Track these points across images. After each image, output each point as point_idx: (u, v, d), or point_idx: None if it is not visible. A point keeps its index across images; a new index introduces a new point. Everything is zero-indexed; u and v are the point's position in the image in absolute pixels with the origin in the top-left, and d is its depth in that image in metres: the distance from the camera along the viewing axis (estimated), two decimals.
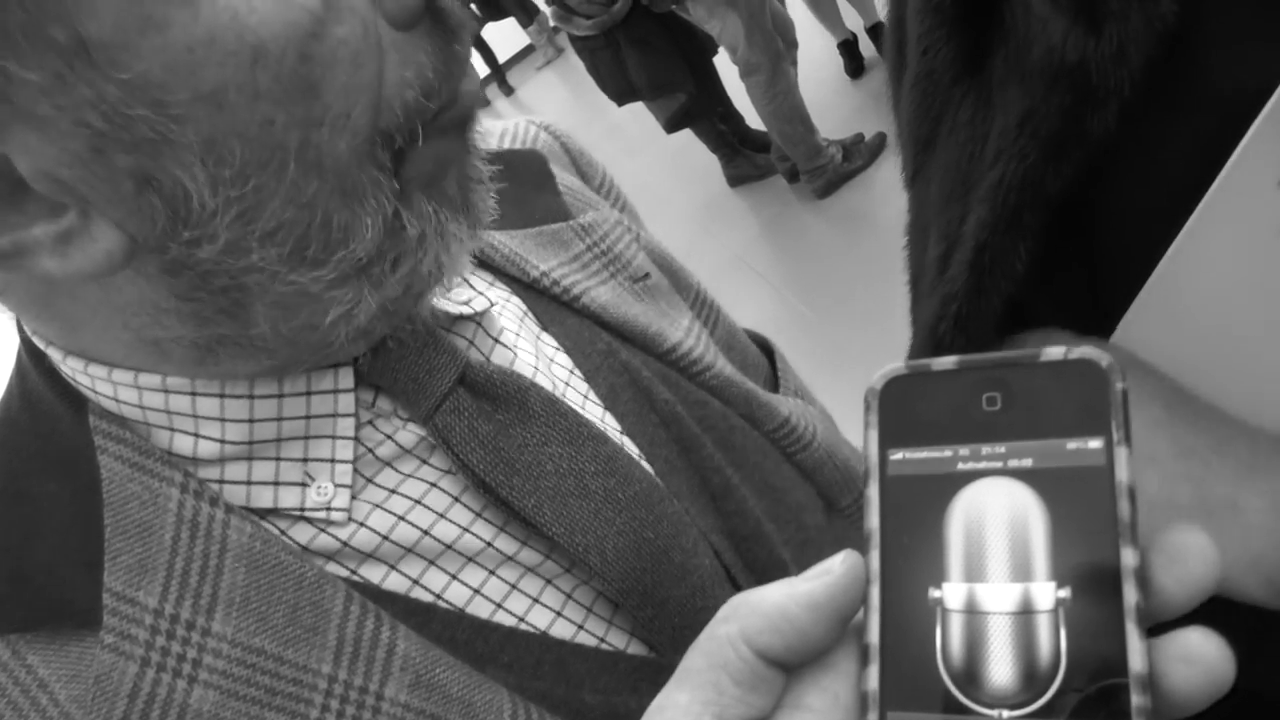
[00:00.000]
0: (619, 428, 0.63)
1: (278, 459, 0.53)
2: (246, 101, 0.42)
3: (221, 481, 0.53)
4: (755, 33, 3.97)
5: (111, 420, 0.51)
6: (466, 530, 0.56)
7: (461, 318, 0.60)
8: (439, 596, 0.55)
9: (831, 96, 4.96)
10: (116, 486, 0.50)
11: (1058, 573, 0.30)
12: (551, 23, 4.27)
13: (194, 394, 0.51)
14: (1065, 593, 0.30)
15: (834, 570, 0.32)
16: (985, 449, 0.32)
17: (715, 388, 0.68)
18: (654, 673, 0.57)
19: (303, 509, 0.53)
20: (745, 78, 4.13)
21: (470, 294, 0.62)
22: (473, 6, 9.09)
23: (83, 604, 0.48)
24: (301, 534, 0.53)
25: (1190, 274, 0.49)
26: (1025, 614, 0.30)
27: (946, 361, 0.34)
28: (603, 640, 0.58)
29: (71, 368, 0.52)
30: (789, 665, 0.33)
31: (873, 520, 0.33)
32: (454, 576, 0.55)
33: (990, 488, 0.32)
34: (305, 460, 0.53)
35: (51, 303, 0.49)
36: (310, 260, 0.46)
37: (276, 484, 0.53)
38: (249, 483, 0.53)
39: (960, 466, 0.32)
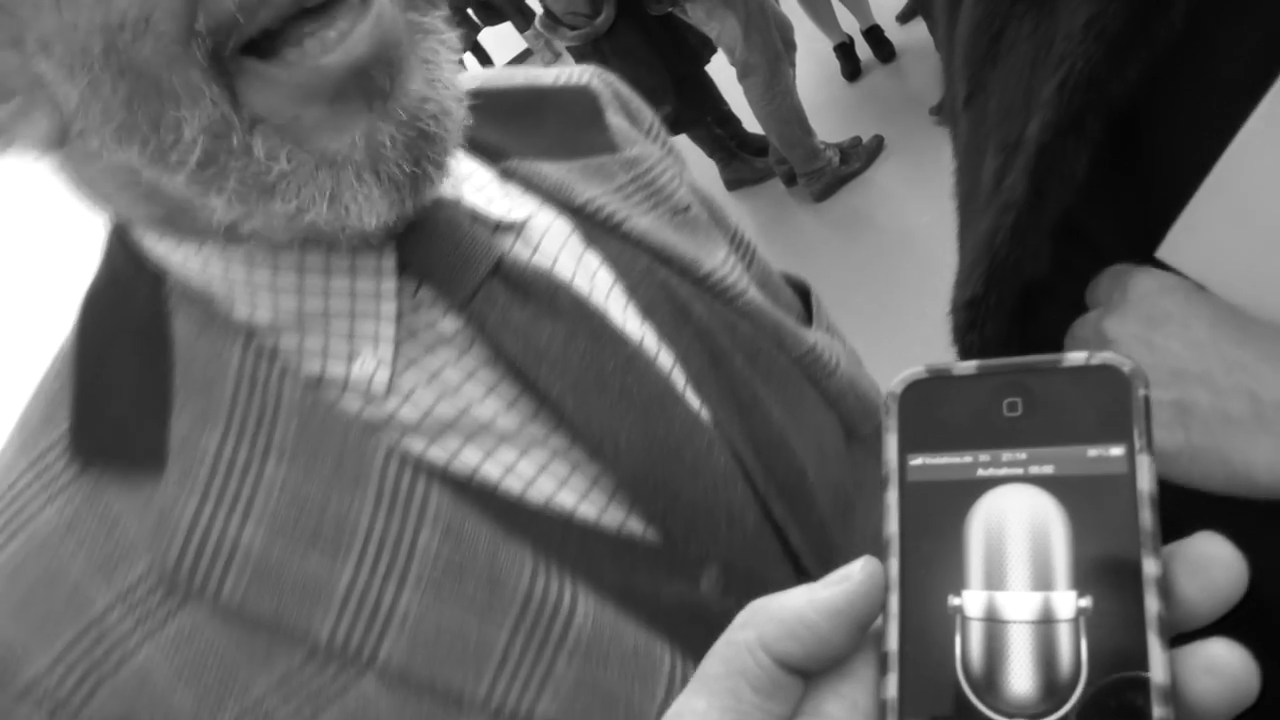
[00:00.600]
0: (656, 336, 0.67)
1: (326, 333, 0.58)
2: (52, 5, 0.46)
3: (276, 348, 0.58)
4: (753, 34, 3.98)
5: (183, 290, 0.57)
6: (502, 414, 0.60)
7: (501, 226, 0.65)
8: (475, 471, 0.59)
9: (828, 99, 4.97)
10: (185, 347, 0.56)
11: (1079, 581, 0.30)
12: (541, 28, 4.28)
13: (250, 263, 0.57)
14: (1086, 602, 0.30)
15: (853, 577, 0.32)
16: (1006, 455, 0.32)
17: (747, 313, 0.72)
18: (668, 560, 0.61)
19: (348, 380, 0.58)
20: (743, 79, 4.14)
21: (510, 205, 0.66)
22: (469, 11, 9.10)
23: (152, 446, 0.54)
24: (350, 404, 0.58)
25: (1241, 184, 0.49)
26: (1045, 623, 0.30)
27: (967, 366, 0.33)
28: (622, 525, 0.61)
29: (150, 243, 0.58)
30: (808, 672, 0.32)
31: (892, 526, 0.33)
32: (489, 454, 0.59)
33: (1011, 494, 0.31)
34: (351, 336, 0.58)
35: (93, 188, 0.56)
36: (158, 159, 0.50)
37: (325, 355, 0.58)
38: (301, 351, 0.58)
39: (980, 473, 0.32)
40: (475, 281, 0.59)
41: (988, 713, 0.30)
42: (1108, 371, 0.31)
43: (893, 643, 0.32)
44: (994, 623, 0.31)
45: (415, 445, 0.58)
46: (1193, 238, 0.52)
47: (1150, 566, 0.29)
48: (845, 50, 5.08)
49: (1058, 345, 0.59)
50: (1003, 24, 0.58)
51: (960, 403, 0.33)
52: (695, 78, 4.48)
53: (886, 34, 5.02)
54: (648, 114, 0.83)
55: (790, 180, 4.49)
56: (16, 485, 0.56)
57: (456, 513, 0.56)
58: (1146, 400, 0.31)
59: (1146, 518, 0.29)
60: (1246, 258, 0.51)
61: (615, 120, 0.77)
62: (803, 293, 0.86)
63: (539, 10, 4.47)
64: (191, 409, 0.55)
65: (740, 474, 0.65)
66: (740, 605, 0.60)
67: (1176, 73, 0.51)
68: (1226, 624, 0.29)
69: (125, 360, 0.57)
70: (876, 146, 4.39)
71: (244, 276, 0.57)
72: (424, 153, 0.53)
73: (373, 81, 0.51)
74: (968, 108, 0.63)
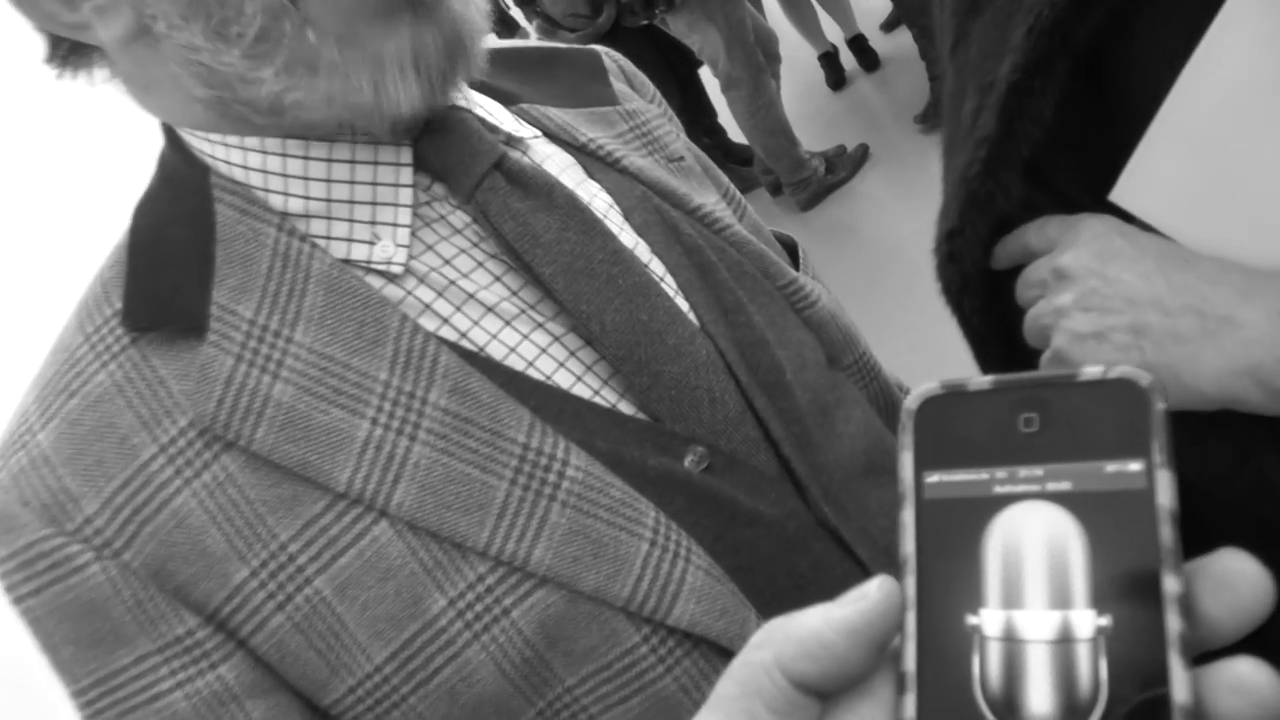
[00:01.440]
0: (649, 250, 0.73)
1: (351, 220, 0.65)
2: None
3: (307, 233, 0.64)
4: (735, 47, 3.98)
5: (226, 180, 0.64)
6: (507, 299, 0.66)
7: (511, 139, 0.72)
8: (481, 349, 0.65)
9: (813, 109, 4.98)
10: (227, 228, 0.63)
11: (1098, 600, 0.29)
12: (536, 37, 4.27)
13: (285, 155, 0.64)
14: (1106, 621, 0.29)
15: (870, 596, 0.32)
16: (1023, 471, 0.31)
17: (734, 242, 0.79)
18: (655, 434, 0.66)
19: (369, 261, 0.64)
20: (727, 91, 4.14)
21: (517, 126, 0.74)
22: None
23: (195, 313, 0.61)
24: (372, 283, 0.64)
25: (1184, 127, 0.53)
26: (1065, 642, 0.30)
27: (983, 381, 0.33)
28: (614, 406, 0.67)
29: (196, 139, 0.65)
30: (825, 692, 0.32)
31: (908, 545, 0.32)
32: (494, 335, 0.65)
33: (1028, 511, 0.31)
34: (373, 223, 0.65)
35: (149, 86, 0.63)
36: (218, 35, 0.57)
37: (350, 240, 0.65)
38: (328, 237, 0.65)
39: (997, 489, 0.32)
40: (480, 173, 0.66)
41: None
42: (1125, 385, 0.31)
43: (910, 662, 0.31)
44: (1012, 642, 0.30)
45: (428, 324, 0.64)
46: (1143, 179, 0.56)
47: (1171, 584, 0.28)
48: (830, 59, 5.10)
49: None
50: None
51: (976, 419, 0.33)
52: (692, 81, 4.48)
53: (870, 43, 5.04)
54: (650, 87, 0.90)
55: (776, 190, 4.50)
56: (75, 354, 0.63)
57: (462, 370, 0.62)
58: (1166, 414, 0.30)
59: (1167, 534, 0.29)
60: (1192, 196, 0.55)
61: (618, 85, 0.85)
62: (790, 248, 0.92)
63: (522, 20, 4.46)
64: (231, 281, 0.61)
65: (723, 365, 0.70)
66: (722, 485, 0.65)
67: (1136, 17, 0.55)
68: (1253, 642, 0.28)
69: (176, 241, 0.63)
70: (862, 155, 4.40)
71: (279, 168, 0.64)
72: (457, 56, 0.62)
73: (422, 1, 0.60)
74: (953, 56, 0.67)
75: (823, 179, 4.33)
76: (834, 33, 5.06)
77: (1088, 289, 0.57)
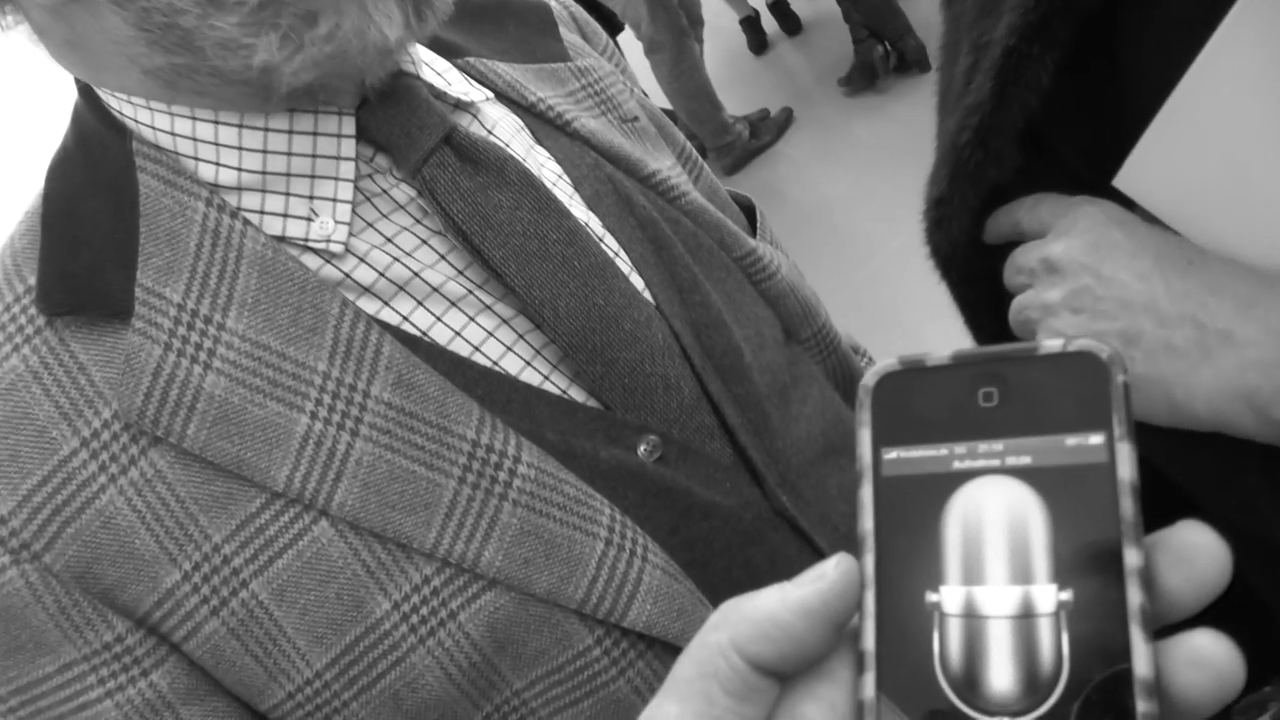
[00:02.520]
0: (600, 224, 0.70)
1: (287, 194, 0.60)
2: None
3: (239, 207, 0.60)
4: (659, 10, 3.97)
5: (150, 146, 0.59)
6: (452, 279, 0.63)
7: (460, 105, 0.69)
8: (424, 333, 0.61)
9: (735, 73, 4.98)
10: (151, 201, 0.58)
11: (1059, 574, 0.29)
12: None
13: (217, 123, 0.59)
14: (1067, 595, 0.29)
15: (828, 575, 0.31)
16: (982, 446, 0.31)
17: (689, 212, 0.75)
18: (606, 424, 0.64)
19: (307, 239, 0.60)
20: (650, 55, 4.13)
21: (467, 88, 0.70)
22: None
23: (118, 296, 0.56)
24: (309, 263, 0.60)
25: (1197, 114, 0.49)
26: (1026, 618, 0.29)
27: (941, 356, 0.32)
28: (564, 392, 0.64)
29: (118, 100, 0.60)
30: (783, 673, 0.31)
31: (867, 522, 0.32)
32: (438, 318, 0.62)
33: (988, 487, 0.31)
34: (311, 198, 0.60)
35: (76, 45, 0.57)
36: (213, 0, 0.52)
37: (285, 215, 0.60)
38: (262, 212, 0.60)
39: (957, 465, 0.31)
40: (428, 147, 0.62)
41: (968, 711, 0.29)
42: (1085, 358, 0.31)
43: (869, 641, 0.31)
44: (973, 619, 0.30)
45: (368, 306, 0.60)
46: (1149, 166, 0.52)
47: (1132, 557, 0.28)
48: (751, 23, 5.10)
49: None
50: None
51: (934, 394, 0.32)
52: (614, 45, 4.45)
53: (792, 6, 5.05)
54: (603, 36, 0.87)
55: (700, 155, 4.49)
56: None
57: (407, 361, 0.59)
58: (1126, 386, 0.30)
59: (1128, 507, 0.29)
60: (1200, 189, 0.51)
61: (570, 36, 0.81)
62: (748, 210, 0.89)
63: None
64: (157, 261, 0.57)
65: (678, 350, 0.67)
66: (676, 476, 0.63)
67: None
68: (1211, 614, 0.28)
69: (95, 213, 0.58)
70: (786, 119, 4.42)
71: (210, 135, 0.59)
72: None
73: None
74: (949, 4, 0.64)
75: (747, 143, 4.33)
76: None
77: (1079, 286, 0.53)
